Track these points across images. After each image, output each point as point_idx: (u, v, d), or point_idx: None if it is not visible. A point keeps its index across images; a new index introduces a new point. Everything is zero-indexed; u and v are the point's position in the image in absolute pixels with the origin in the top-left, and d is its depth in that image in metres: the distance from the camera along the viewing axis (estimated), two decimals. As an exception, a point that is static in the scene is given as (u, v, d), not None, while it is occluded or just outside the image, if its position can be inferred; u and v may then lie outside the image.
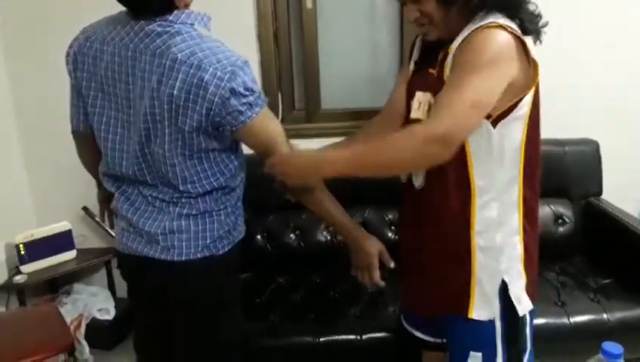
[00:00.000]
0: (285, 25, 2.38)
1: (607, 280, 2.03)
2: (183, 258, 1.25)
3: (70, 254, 2.37)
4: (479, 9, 1.09)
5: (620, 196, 2.29)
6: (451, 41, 1.14)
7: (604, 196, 2.32)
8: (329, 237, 2.23)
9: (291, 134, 2.26)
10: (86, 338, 2.26)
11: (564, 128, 2.28)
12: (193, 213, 1.25)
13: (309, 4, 2.34)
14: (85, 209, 2.41)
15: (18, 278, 2.20)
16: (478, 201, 1.16)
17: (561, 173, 2.30)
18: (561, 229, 2.25)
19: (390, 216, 2.25)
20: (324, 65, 2.44)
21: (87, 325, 2.29)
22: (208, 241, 1.27)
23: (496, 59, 1.04)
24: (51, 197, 2.46)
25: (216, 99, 1.12)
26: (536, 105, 1.15)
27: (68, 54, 1.27)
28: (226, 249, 1.30)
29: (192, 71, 1.11)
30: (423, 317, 1.39)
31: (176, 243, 1.25)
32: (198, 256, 1.26)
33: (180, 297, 1.30)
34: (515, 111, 1.11)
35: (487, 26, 1.05)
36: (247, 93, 1.15)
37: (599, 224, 2.23)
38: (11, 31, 2.29)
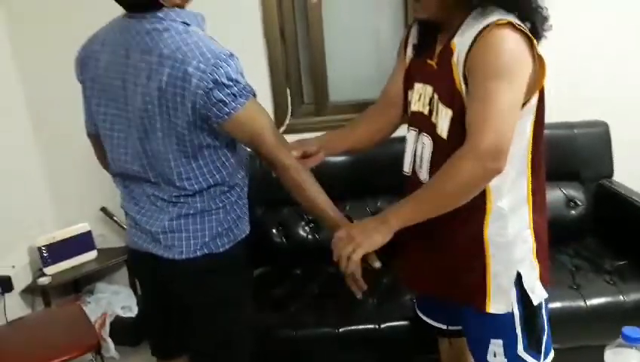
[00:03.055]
0: (291, 20, 2.38)
1: (622, 262, 2.04)
2: (184, 256, 1.28)
3: (91, 254, 2.42)
4: (481, 4, 1.09)
5: (631, 177, 2.29)
6: (443, 27, 1.15)
7: (615, 178, 2.32)
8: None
9: (301, 128, 2.33)
10: (110, 336, 2.32)
11: (573, 111, 2.28)
12: (191, 212, 1.27)
13: (314, -1, 2.35)
14: (104, 209, 2.46)
15: (42, 280, 2.25)
16: (490, 197, 1.16)
17: (571, 156, 2.30)
18: (573, 212, 2.25)
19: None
20: (331, 58, 2.45)
21: (111, 323, 2.34)
22: (207, 239, 1.28)
23: (516, 61, 1.05)
24: (70, 199, 2.50)
25: (200, 91, 1.13)
26: (543, 98, 1.16)
27: (76, 59, 1.32)
28: (227, 247, 1.31)
29: (177, 65, 1.13)
30: (436, 302, 1.40)
31: (176, 242, 1.28)
32: (198, 253, 1.28)
33: (183, 294, 1.33)
34: (525, 107, 1.11)
35: (497, 25, 1.05)
36: (232, 83, 1.15)
37: (611, 205, 2.23)
38: (23, 34, 2.31)
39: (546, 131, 1.21)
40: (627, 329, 0.92)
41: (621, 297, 1.84)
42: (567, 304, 1.82)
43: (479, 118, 1.04)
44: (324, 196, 1.29)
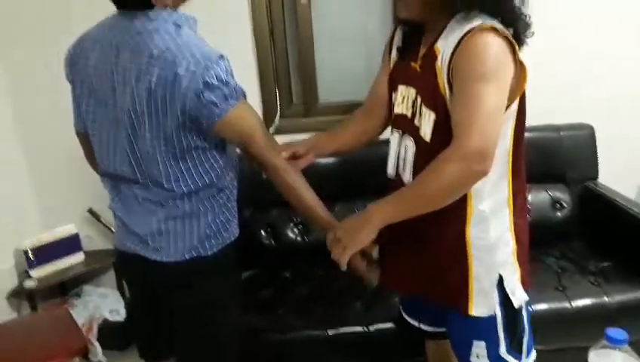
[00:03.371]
0: (280, 20, 2.39)
1: (607, 264, 2.05)
2: (172, 259, 1.28)
3: (78, 257, 2.40)
4: (465, 9, 1.10)
5: (615, 179, 2.32)
6: (427, 30, 1.16)
7: (600, 180, 2.35)
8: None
9: (290, 129, 2.34)
10: (98, 339, 2.30)
11: (559, 113, 2.31)
12: (180, 214, 1.27)
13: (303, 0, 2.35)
14: (91, 211, 2.44)
15: (28, 283, 2.23)
16: (471, 201, 1.17)
17: (557, 158, 2.33)
18: (558, 214, 2.28)
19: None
20: (320, 58, 2.46)
21: (99, 326, 2.32)
22: (195, 242, 1.28)
23: (500, 64, 1.06)
24: (56, 201, 2.48)
25: (190, 93, 1.13)
26: (524, 104, 1.18)
27: (65, 58, 1.31)
28: (215, 250, 1.31)
29: (166, 66, 1.12)
30: (421, 303, 1.41)
31: (163, 244, 1.28)
32: (186, 256, 1.28)
33: (171, 297, 1.33)
34: (506, 112, 1.12)
35: (480, 29, 1.06)
36: (222, 85, 1.15)
37: (596, 207, 2.26)
38: (9, 30, 2.28)
39: (532, 134, 1.22)
40: (611, 331, 0.92)
41: (606, 298, 1.86)
42: (552, 305, 1.84)
43: (465, 120, 1.05)
44: (314, 196, 1.31)
